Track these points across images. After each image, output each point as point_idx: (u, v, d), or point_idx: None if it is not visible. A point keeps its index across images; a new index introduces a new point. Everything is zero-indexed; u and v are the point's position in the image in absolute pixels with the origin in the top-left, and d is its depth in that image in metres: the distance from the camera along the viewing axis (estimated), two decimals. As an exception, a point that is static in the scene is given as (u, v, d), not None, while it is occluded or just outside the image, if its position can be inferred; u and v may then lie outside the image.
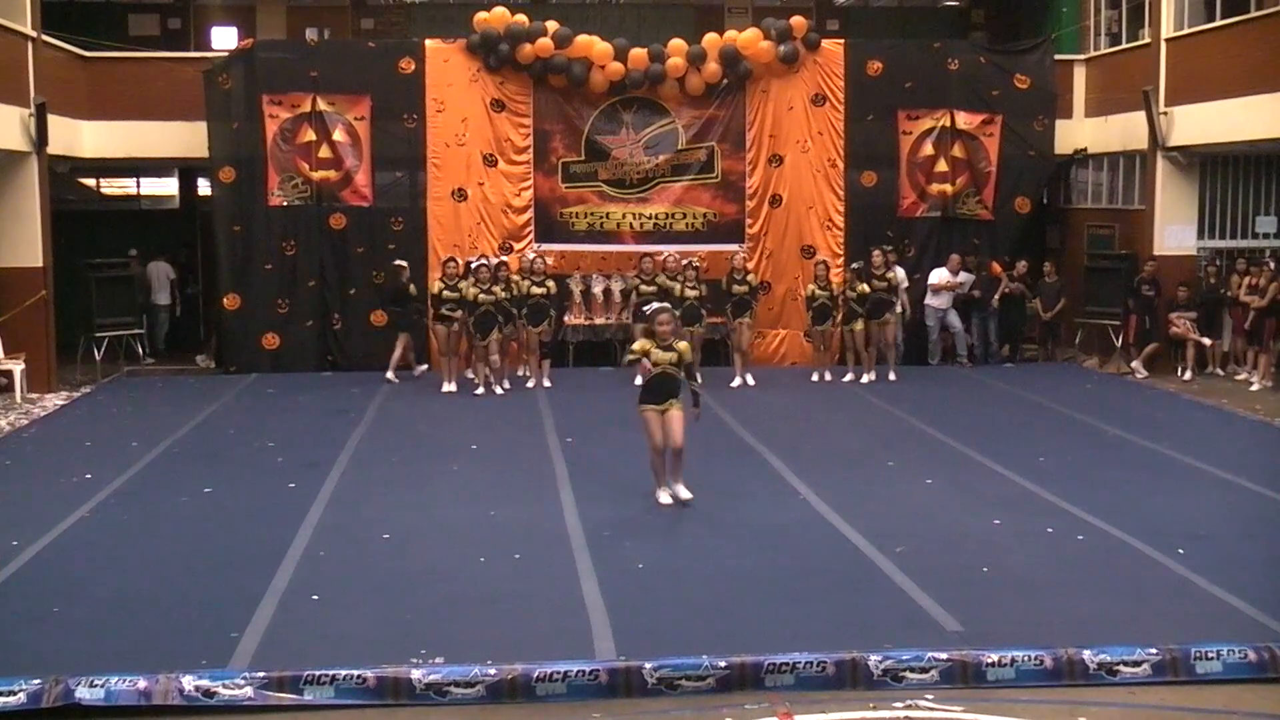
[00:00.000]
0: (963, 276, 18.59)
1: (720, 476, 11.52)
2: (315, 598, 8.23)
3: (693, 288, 16.63)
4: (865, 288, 17.04)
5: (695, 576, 8.67)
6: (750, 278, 17.38)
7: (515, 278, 16.52)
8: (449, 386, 16.29)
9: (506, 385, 16.38)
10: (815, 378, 17.21)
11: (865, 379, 16.99)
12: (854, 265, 17.46)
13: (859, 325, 17.04)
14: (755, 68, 18.68)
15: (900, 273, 18.12)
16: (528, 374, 16.96)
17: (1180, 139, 17.81)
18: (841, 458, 12.59)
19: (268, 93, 18.35)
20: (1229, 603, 8.05)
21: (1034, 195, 19.81)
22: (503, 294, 16.10)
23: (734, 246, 18.65)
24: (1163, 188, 18.36)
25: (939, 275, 18.54)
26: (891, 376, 17.09)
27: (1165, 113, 17.89)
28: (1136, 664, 7.03)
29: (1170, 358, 18.26)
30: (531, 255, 17.24)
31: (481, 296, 15.93)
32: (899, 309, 17.77)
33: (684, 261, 16.97)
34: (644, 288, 16.77)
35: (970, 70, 19.19)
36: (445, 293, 16.16)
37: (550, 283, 16.68)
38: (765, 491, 11.12)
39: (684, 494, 10.36)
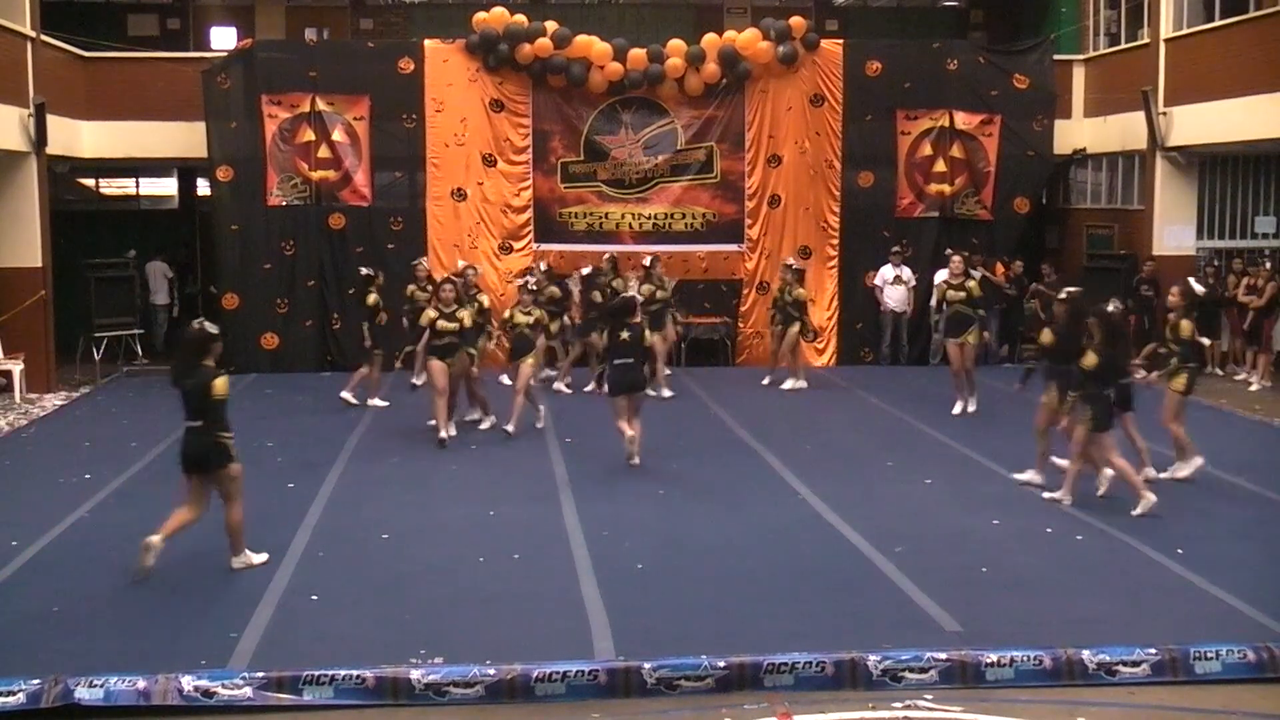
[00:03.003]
0: None
1: (719, 477, 11.53)
2: (314, 598, 8.23)
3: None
4: (801, 291, 16.67)
5: (694, 576, 8.66)
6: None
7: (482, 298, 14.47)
8: (446, 432, 13.14)
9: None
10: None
11: (790, 385, 16.47)
12: (790, 264, 16.80)
13: (795, 328, 16.41)
14: (754, 68, 18.67)
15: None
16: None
17: (1179, 139, 17.82)
18: (840, 458, 12.59)
19: (267, 93, 18.37)
20: (1228, 603, 8.06)
21: (1033, 195, 19.82)
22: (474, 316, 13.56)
23: (734, 246, 18.68)
24: (1162, 188, 18.37)
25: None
26: (972, 408, 14.80)
27: (1164, 113, 17.90)
28: (1136, 664, 7.04)
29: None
30: (525, 279, 15.12)
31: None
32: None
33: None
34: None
35: (969, 70, 19.20)
36: (442, 323, 13.04)
37: (538, 311, 14.25)
38: (764, 491, 11.11)
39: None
